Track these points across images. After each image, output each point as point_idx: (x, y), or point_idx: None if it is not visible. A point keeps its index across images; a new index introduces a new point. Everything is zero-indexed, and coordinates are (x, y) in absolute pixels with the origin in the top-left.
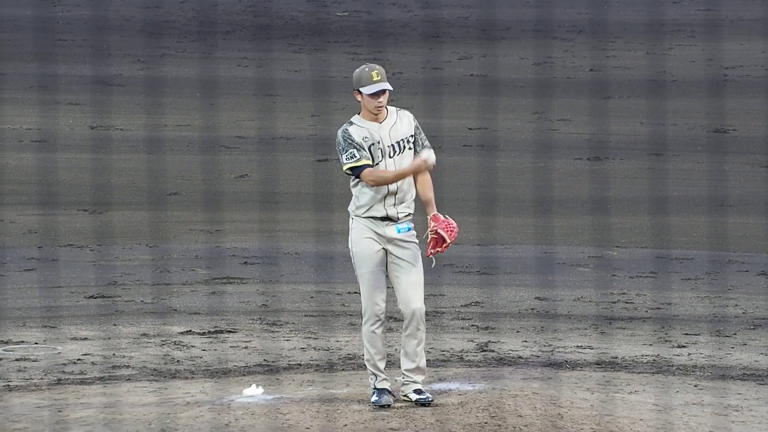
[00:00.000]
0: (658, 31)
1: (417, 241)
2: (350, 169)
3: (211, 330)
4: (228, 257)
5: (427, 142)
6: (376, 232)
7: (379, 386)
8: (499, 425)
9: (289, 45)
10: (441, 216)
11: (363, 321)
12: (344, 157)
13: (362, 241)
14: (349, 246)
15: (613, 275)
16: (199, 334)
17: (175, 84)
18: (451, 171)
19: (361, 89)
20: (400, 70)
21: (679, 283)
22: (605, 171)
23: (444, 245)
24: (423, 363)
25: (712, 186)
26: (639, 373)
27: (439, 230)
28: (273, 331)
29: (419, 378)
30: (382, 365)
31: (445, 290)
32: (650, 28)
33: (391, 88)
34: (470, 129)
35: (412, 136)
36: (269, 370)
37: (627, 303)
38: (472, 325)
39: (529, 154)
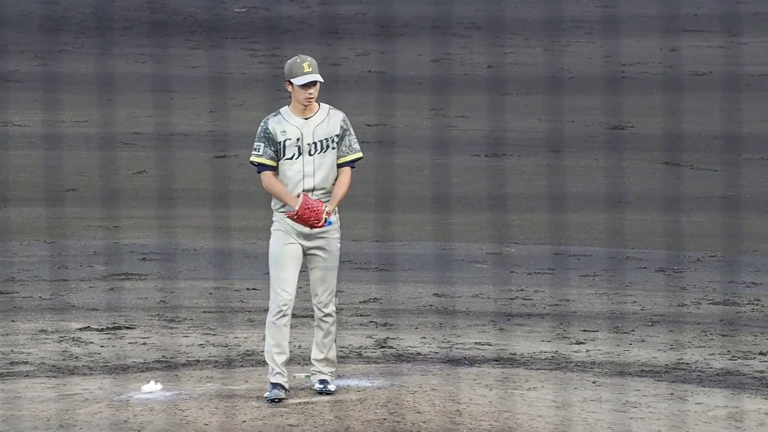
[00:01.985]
0: (556, 28)
1: (338, 235)
2: (253, 162)
3: (110, 326)
4: (126, 253)
5: (356, 145)
6: (292, 227)
7: (272, 380)
8: (397, 422)
9: (186, 41)
10: (311, 202)
11: (269, 312)
12: (253, 146)
13: (274, 233)
14: None
15: (512, 272)
16: (97, 330)
17: (73, 80)
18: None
19: (292, 80)
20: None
21: (578, 279)
22: (503, 167)
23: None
24: (332, 355)
25: (609, 183)
26: (537, 369)
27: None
28: (171, 328)
29: (326, 369)
30: (279, 359)
31: (344, 287)
32: (548, 24)
33: (322, 80)
34: (368, 125)
35: (337, 136)
36: (168, 366)
37: (525, 299)
38: (371, 322)
39: (427, 151)
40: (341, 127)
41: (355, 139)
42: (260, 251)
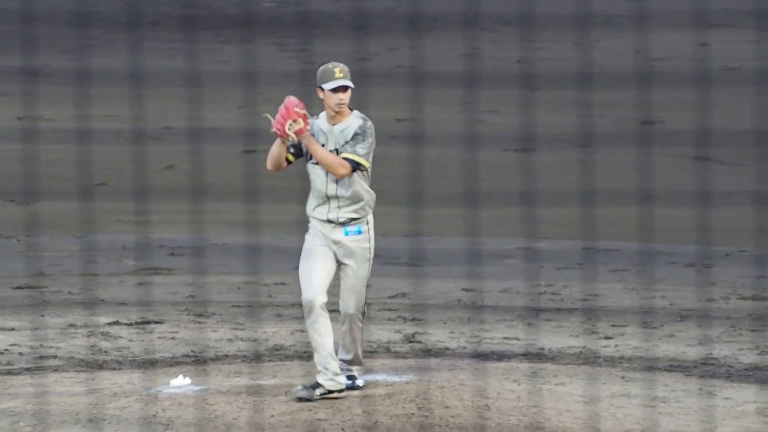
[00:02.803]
0: (586, 23)
1: (368, 245)
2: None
3: (139, 321)
4: (155, 248)
5: (361, 150)
6: (323, 232)
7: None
8: (426, 416)
9: (216, 36)
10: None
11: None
12: None
13: (307, 236)
14: None
15: (541, 267)
16: (126, 324)
17: (103, 75)
18: (378, 162)
19: (323, 86)
20: (328, 62)
21: (607, 274)
22: (533, 162)
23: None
24: (359, 353)
25: (639, 178)
26: (566, 364)
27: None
28: (200, 322)
29: (354, 367)
30: (331, 365)
31: (372, 281)
32: (578, 19)
33: (353, 86)
34: (398, 120)
35: (351, 139)
36: (196, 360)
37: (554, 294)
38: (399, 317)
39: (456, 146)
40: (355, 132)
41: (364, 147)
42: (289, 246)
